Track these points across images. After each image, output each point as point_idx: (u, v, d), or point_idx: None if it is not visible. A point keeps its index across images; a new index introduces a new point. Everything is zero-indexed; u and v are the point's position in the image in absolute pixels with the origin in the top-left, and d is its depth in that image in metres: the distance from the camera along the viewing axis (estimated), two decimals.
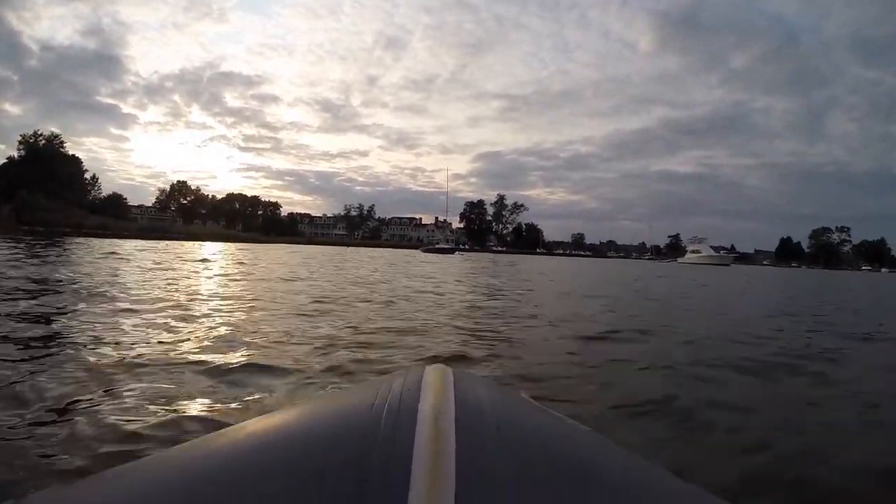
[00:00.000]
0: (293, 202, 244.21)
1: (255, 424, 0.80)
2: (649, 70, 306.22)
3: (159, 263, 17.88)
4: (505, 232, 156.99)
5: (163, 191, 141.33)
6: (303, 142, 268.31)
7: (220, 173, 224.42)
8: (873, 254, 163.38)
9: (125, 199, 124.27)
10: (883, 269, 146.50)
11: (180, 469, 0.68)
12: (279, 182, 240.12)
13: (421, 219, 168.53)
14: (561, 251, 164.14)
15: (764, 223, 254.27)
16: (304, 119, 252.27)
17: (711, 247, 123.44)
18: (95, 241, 37.32)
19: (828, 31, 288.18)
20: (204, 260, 22.53)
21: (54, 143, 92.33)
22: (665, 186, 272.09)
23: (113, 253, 21.95)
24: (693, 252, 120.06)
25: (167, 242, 50.18)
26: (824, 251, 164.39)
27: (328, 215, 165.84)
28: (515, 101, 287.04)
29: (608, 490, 0.65)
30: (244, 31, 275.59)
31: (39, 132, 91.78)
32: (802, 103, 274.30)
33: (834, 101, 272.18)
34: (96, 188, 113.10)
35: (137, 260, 18.91)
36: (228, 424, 0.61)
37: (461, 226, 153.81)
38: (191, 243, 55.89)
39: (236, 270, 17.07)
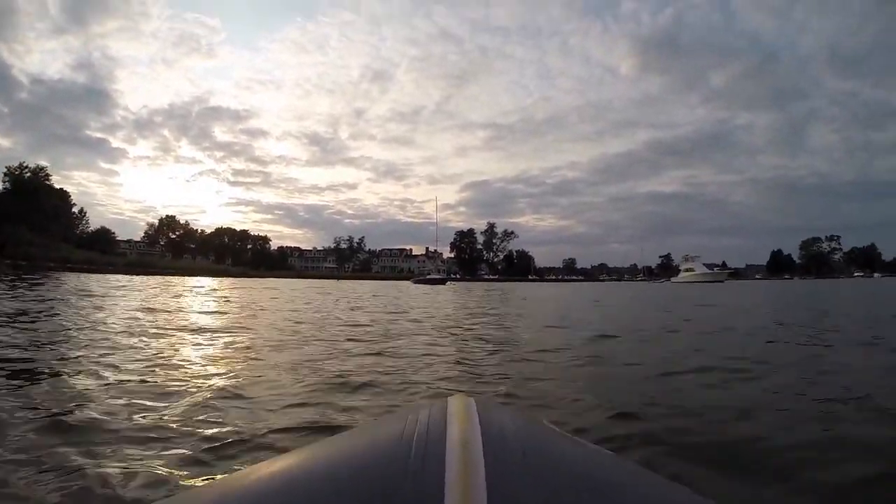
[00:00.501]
0: (283, 236, 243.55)
1: (288, 459, 0.81)
2: (631, 93, 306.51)
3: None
4: (496, 260, 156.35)
5: (151, 225, 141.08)
6: (292, 175, 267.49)
7: (210, 207, 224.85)
8: (864, 260, 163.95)
9: (113, 233, 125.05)
10: (875, 275, 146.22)
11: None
12: (269, 216, 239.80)
13: (411, 249, 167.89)
14: (553, 277, 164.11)
15: (751, 238, 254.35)
16: (292, 152, 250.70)
17: (704, 264, 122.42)
18: (73, 277, 35.45)
19: (805, 45, 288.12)
20: (180, 295, 20.02)
21: (40, 175, 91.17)
22: (652, 207, 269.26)
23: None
24: (686, 271, 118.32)
25: (145, 278, 49.06)
26: (815, 261, 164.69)
27: (318, 248, 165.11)
28: (501, 130, 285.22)
29: None
30: (232, 66, 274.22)
31: (25, 164, 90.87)
32: (783, 117, 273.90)
33: (814, 114, 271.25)
34: (84, 222, 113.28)
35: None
36: (259, 460, 0.74)
37: (452, 255, 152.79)
38: (177, 278, 54.78)
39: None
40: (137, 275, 61.32)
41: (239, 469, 0.73)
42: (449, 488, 0.56)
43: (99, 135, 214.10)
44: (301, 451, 0.84)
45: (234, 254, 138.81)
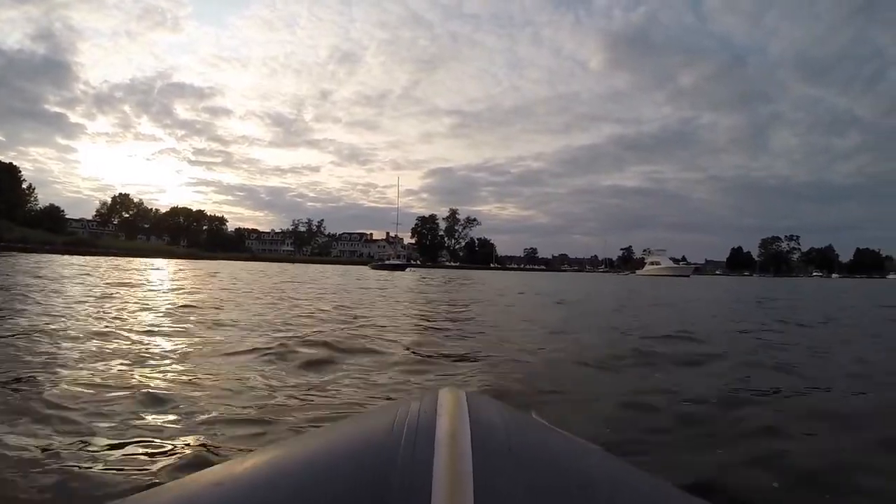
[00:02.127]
0: (243, 218, 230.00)
1: (276, 450, 0.81)
2: (599, 87, 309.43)
3: None
4: (458, 247, 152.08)
5: (104, 203, 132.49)
6: (254, 156, 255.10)
7: (170, 187, 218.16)
8: (821, 260, 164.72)
9: (63, 211, 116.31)
10: (834, 275, 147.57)
11: (202, 496, 0.68)
12: (230, 197, 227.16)
13: (371, 234, 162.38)
14: (515, 266, 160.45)
15: (710, 234, 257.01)
16: (255, 133, 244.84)
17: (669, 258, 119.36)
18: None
19: (773, 50, 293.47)
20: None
21: None
22: (614, 201, 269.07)
23: None
24: (652, 264, 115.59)
25: (86, 259, 43.23)
26: (774, 259, 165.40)
27: (276, 230, 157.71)
28: (467, 118, 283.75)
29: None
30: (198, 42, 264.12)
31: None
32: (747, 119, 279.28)
33: (778, 117, 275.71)
34: (32, 199, 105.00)
35: None
36: (249, 451, 0.74)
37: (413, 241, 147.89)
38: (122, 259, 49.68)
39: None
40: (79, 255, 57.27)
41: (227, 460, 0.83)
42: (436, 481, 0.56)
43: (57, 109, 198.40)
44: (289, 443, 0.83)
45: (189, 234, 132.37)
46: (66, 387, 3.74)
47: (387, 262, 72.92)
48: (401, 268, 66.70)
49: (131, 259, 56.68)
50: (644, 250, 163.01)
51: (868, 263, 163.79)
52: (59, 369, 4.32)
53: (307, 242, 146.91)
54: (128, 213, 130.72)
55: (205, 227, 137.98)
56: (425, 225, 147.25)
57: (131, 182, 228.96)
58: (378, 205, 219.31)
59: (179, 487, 0.73)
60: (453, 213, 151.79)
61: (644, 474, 0.80)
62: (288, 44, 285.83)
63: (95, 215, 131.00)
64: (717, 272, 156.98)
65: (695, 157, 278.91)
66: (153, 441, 2.82)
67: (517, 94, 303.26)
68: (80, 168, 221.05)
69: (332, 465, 0.67)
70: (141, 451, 2.68)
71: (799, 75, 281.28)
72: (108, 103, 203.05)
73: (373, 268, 69.04)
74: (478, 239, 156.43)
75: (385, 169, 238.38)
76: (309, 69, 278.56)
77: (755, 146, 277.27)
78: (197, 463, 2.45)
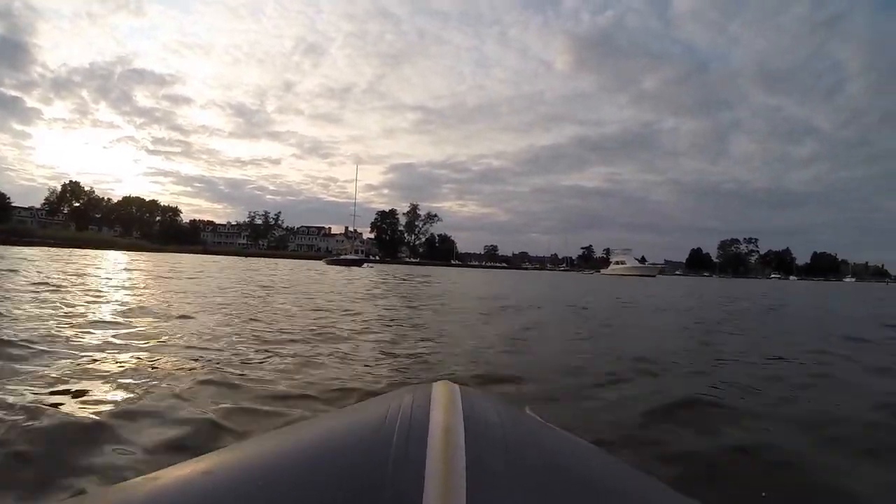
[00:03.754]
0: (202, 210, 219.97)
1: (267, 440, 0.80)
2: (563, 88, 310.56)
3: None
4: (417, 243, 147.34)
5: (53, 191, 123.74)
6: (214, 147, 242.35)
7: (127, 177, 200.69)
8: (779, 263, 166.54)
9: (9, 199, 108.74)
10: (791, 277, 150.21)
11: (190, 484, 0.67)
12: (188, 188, 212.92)
13: (330, 228, 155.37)
14: (476, 263, 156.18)
15: (668, 236, 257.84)
16: (216, 123, 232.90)
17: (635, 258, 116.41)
18: None
19: (736, 59, 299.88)
20: None
21: None
22: (574, 201, 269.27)
23: None
24: (617, 263, 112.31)
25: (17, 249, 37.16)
26: (733, 261, 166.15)
27: (232, 223, 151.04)
28: (431, 114, 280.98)
29: None
30: (161, 27, 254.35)
31: None
32: (707, 125, 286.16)
33: (737, 124, 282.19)
34: None
35: None
36: (240, 440, 0.73)
37: (372, 236, 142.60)
38: (61, 250, 44.12)
39: None
40: (13, 245, 52.47)
41: (213, 450, 0.78)
42: (429, 474, 0.56)
43: (14, 92, 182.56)
44: (281, 433, 0.83)
45: (141, 225, 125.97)
46: None
47: (342, 256, 67.34)
48: (357, 263, 61.39)
49: (73, 251, 51.58)
50: (605, 249, 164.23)
51: (824, 267, 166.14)
52: None
53: (263, 235, 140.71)
54: (78, 202, 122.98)
55: (158, 219, 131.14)
56: (385, 220, 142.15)
57: (87, 171, 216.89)
58: (339, 199, 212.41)
59: (167, 475, 0.71)
60: (414, 208, 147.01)
61: (636, 471, 0.80)
62: (253, 32, 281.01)
63: (44, 204, 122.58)
64: (678, 272, 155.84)
65: (655, 160, 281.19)
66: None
67: (482, 92, 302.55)
68: (35, 155, 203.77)
69: (323, 456, 0.66)
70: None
71: (759, 84, 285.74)
72: (66, 88, 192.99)
73: (328, 262, 64.22)
74: (438, 235, 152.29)
75: (346, 163, 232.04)
76: (273, 59, 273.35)
77: (714, 151, 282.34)
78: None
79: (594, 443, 0.93)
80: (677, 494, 0.77)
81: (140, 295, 10.02)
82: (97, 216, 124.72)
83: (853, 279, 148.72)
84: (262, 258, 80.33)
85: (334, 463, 0.63)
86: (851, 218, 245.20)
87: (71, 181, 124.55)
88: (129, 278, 15.34)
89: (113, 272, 18.22)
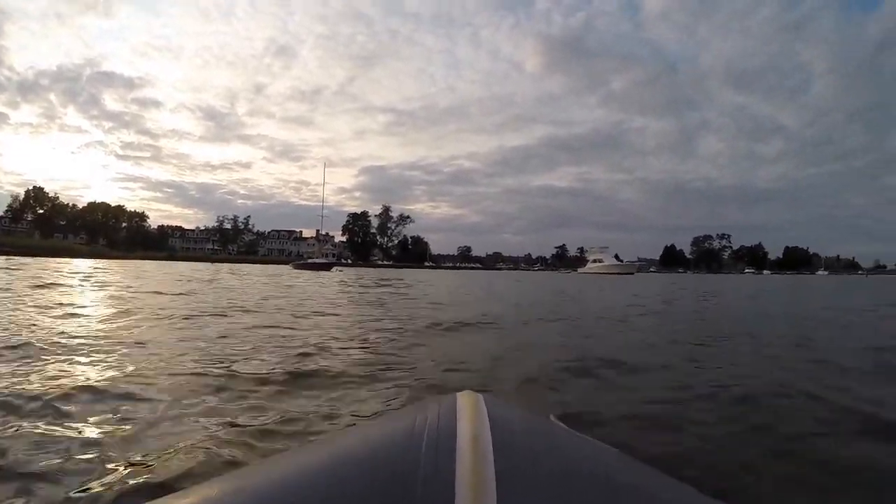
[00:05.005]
0: (172, 216, 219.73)
1: (296, 455, 0.80)
2: (534, 90, 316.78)
3: None
4: (390, 245, 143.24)
5: (15, 198, 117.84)
6: (184, 151, 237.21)
7: (96, 183, 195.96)
8: (751, 257, 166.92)
9: None
10: (765, 272, 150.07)
11: (226, 500, 0.66)
12: (158, 194, 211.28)
13: (301, 232, 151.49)
14: (449, 264, 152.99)
15: (638, 233, 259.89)
16: (186, 127, 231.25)
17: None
18: None
19: (704, 61, 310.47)
20: None
21: None
22: (545, 200, 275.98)
23: None
24: (595, 262, 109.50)
25: None
26: (706, 257, 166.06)
27: (201, 228, 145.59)
28: (402, 116, 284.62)
29: None
30: (130, 29, 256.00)
31: None
32: (675, 124, 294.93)
33: (705, 124, 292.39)
34: None
35: None
36: (267, 456, 0.71)
37: (344, 239, 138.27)
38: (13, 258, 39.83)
39: None
40: None
41: (245, 465, 0.68)
42: (459, 484, 0.55)
43: None
44: (309, 448, 0.81)
45: (107, 232, 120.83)
46: None
47: (310, 260, 63.47)
48: (326, 267, 57.81)
49: (25, 259, 47.04)
50: (578, 248, 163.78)
51: (797, 260, 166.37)
52: None
53: (233, 241, 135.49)
54: (42, 208, 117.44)
55: (124, 225, 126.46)
56: (357, 222, 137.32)
57: (55, 177, 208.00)
58: (310, 203, 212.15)
59: (198, 493, 0.71)
60: (386, 209, 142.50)
61: (665, 477, 0.80)
62: (223, 34, 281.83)
63: (7, 211, 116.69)
64: (652, 269, 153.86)
65: (624, 159, 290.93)
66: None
67: (453, 94, 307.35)
68: (1, 161, 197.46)
69: (353, 469, 0.66)
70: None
71: (727, 84, 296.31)
72: (34, 91, 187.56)
73: (295, 267, 60.44)
74: (411, 237, 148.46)
75: (318, 166, 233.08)
76: (244, 62, 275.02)
77: (683, 150, 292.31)
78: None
79: (620, 449, 0.92)
80: (707, 499, 0.76)
81: None
82: (62, 223, 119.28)
83: (826, 272, 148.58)
84: (234, 263, 78.51)
85: (365, 477, 0.62)
86: (819, 214, 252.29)
87: (35, 187, 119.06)
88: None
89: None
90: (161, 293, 13.04)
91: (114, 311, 8.56)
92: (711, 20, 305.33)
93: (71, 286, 15.15)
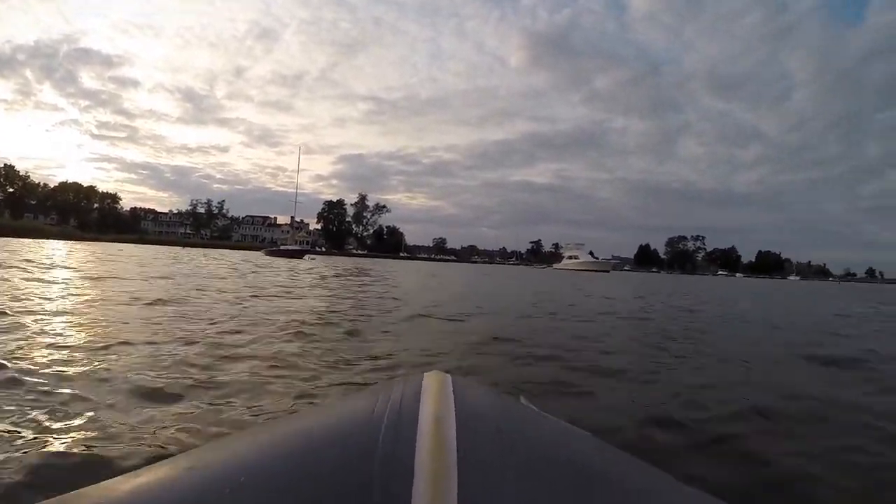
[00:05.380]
0: (146, 198, 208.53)
1: (258, 432, 0.78)
2: (517, 85, 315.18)
3: None
4: (366, 234, 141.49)
5: None
6: (160, 132, 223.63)
7: (70, 163, 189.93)
8: (724, 260, 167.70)
9: None
10: (737, 275, 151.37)
11: (175, 481, 0.65)
12: (133, 175, 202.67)
13: (276, 218, 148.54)
14: (424, 255, 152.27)
15: (614, 232, 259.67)
16: (163, 107, 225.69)
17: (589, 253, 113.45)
18: None
19: (688, 64, 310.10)
20: None
21: None
22: (523, 195, 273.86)
23: None
24: (570, 258, 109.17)
25: None
26: (680, 257, 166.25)
27: (174, 211, 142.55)
28: (383, 105, 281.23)
29: (611, 492, 0.64)
30: (111, 5, 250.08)
31: None
32: (657, 126, 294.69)
33: (686, 127, 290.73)
34: None
35: None
36: (230, 433, 0.71)
37: (319, 227, 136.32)
38: None
39: None
40: None
41: (199, 445, 0.72)
42: (419, 467, 0.54)
43: None
44: (267, 426, 0.79)
45: (78, 213, 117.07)
46: None
47: (282, 247, 62.14)
48: (298, 254, 56.47)
49: None
50: (553, 244, 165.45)
51: (769, 265, 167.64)
52: None
53: (206, 225, 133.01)
54: (12, 187, 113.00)
55: (95, 206, 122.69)
56: (332, 210, 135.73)
57: (29, 155, 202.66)
58: (287, 189, 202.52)
59: (150, 473, 0.68)
60: (362, 198, 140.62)
61: (633, 459, 0.79)
62: (205, 14, 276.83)
63: None
64: (626, 268, 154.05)
65: (604, 158, 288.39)
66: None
67: (435, 84, 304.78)
68: None
69: (310, 451, 0.64)
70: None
71: (709, 89, 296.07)
72: (10, 66, 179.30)
73: (266, 254, 59.33)
74: (386, 227, 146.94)
75: (295, 152, 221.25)
76: (225, 43, 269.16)
77: (662, 152, 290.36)
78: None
79: (591, 432, 0.91)
80: (673, 480, 0.75)
81: None
82: (32, 203, 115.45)
83: (797, 277, 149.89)
84: (202, 248, 76.47)
85: (321, 458, 0.61)
86: (793, 219, 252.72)
87: (5, 165, 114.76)
88: None
89: None
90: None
91: None
92: (697, 23, 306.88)
93: None
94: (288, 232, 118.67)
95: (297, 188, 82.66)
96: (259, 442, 0.72)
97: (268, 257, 50.41)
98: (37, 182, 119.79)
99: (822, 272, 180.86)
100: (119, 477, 0.69)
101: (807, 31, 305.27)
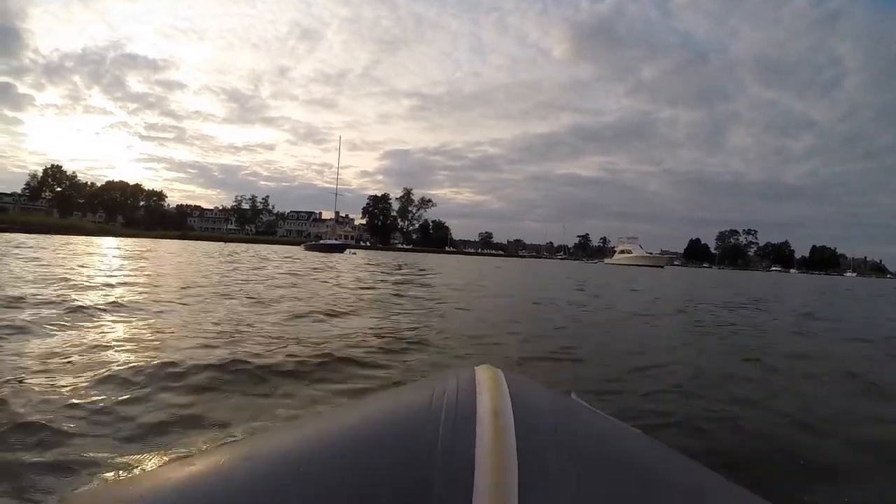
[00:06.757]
0: (195, 196, 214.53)
1: (312, 422, 0.79)
2: (561, 77, 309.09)
3: None
4: (411, 229, 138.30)
5: (34, 176, 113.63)
6: (207, 132, 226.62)
7: (120, 163, 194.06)
8: (777, 255, 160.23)
9: None
10: (792, 270, 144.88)
11: (240, 466, 0.64)
12: (182, 174, 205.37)
13: (320, 213, 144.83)
14: (470, 250, 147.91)
15: (663, 225, 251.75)
16: (209, 108, 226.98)
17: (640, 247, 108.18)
18: None
19: (734, 51, 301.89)
20: None
21: None
22: (569, 189, 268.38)
23: None
24: (623, 252, 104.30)
25: None
26: (731, 252, 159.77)
27: (220, 208, 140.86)
28: (426, 101, 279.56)
29: (667, 492, 0.64)
30: (154, 11, 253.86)
31: None
32: (705, 116, 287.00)
33: (734, 116, 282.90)
34: None
35: None
36: (282, 423, 0.69)
37: (364, 222, 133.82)
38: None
39: None
40: None
41: (257, 434, 0.72)
42: (479, 460, 0.54)
43: (5, 78, 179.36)
44: (325, 416, 0.80)
45: (125, 211, 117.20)
46: None
47: (322, 242, 58.98)
48: (339, 249, 53.10)
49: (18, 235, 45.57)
50: (601, 238, 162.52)
51: (824, 260, 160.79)
52: None
53: (251, 221, 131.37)
54: (60, 186, 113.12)
55: (142, 203, 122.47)
56: (377, 205, 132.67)
57: (80, 157, 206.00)
58: (333, 185, 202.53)
59: (206, 460, 0.68)
60: (407, 192, 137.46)
61: (685, 458, 0.78)
62: (247, 17, 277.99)
63: (24, 189, 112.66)
64: (676, 263, 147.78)
65: (651, 150, 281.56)
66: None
67: (478, 79, 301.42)
68: (27, 142, 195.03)
69: (371, 439, 0.64)
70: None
71: (757, 77, 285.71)
72: (59, 73, 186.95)
73: (306, 248, 57.14)
74: (432, 221, 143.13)
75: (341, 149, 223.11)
76: (268, 44, 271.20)
77: (711, 143, 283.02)
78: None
79: (642, 429, 0.90)
80: (725, 481, 0.74)
81: None
82: (80, 201, 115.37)
83: (854, 274, 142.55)
84: (244, 244, 75.20)
85: (381, 449, 0.61)
86: (846, 212, 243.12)
87: (53, 165, 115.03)
88: None
89: None
90: None
91: None
92: (742, 10, 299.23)
93: None
94: (332, 227, 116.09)
95: (336, 179, 79.95)
96: (317, 431, 0.71)
97: (308, 252, 48.45)
98: (84, 182, 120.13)
99: (878, 269, 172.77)
100: (172, 463, 0.68)
101: (855, 16, 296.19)
